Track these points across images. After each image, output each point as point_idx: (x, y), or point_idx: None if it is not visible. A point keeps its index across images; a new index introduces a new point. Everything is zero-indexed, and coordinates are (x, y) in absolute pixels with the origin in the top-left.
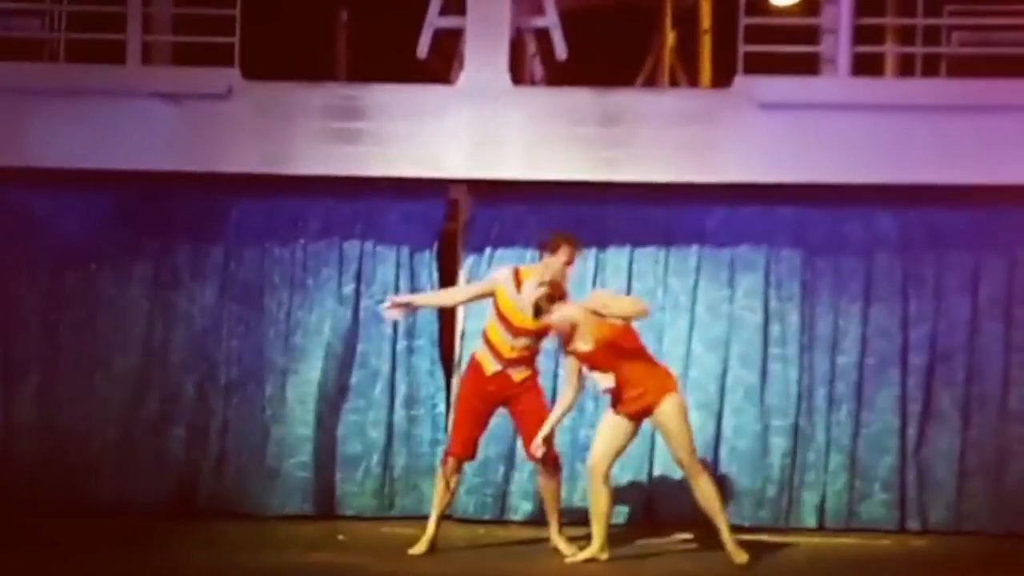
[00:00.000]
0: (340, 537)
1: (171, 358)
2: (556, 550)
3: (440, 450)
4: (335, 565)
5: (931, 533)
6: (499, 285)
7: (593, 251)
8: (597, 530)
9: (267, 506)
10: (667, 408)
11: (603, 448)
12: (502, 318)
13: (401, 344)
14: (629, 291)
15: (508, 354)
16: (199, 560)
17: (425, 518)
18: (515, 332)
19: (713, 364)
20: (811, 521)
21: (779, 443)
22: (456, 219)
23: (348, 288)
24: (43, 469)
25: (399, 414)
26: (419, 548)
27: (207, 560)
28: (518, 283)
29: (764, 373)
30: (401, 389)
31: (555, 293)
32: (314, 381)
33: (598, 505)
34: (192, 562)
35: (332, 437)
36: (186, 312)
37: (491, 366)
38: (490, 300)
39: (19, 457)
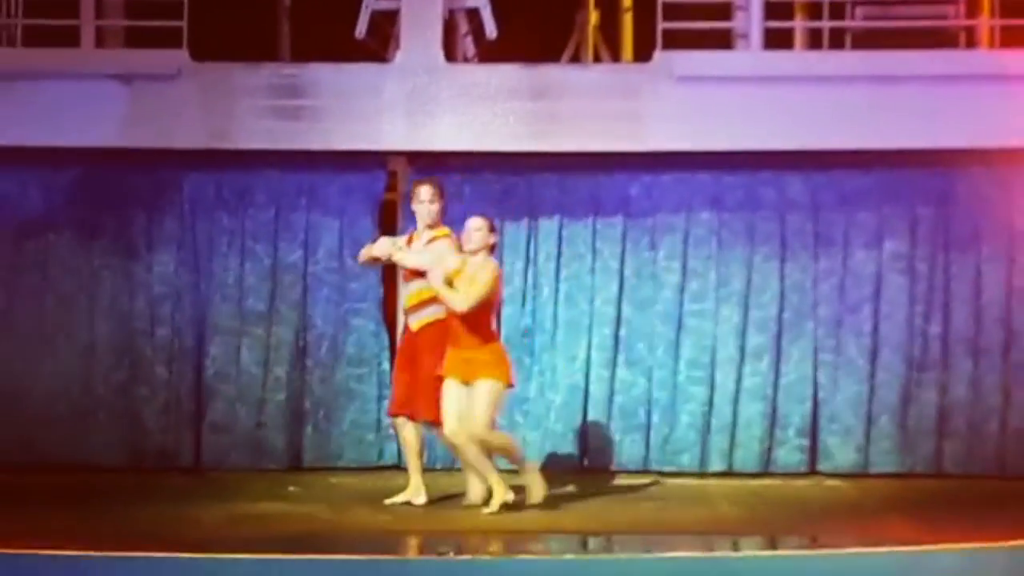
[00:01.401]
0: (291, 488)
1: (129, 323)
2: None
3: (384, 405)
4: (287, 514)
5: (842, 476)
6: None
7: (525, 219)
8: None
9: (220, 461)
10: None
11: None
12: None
13: (346, 307)
14: (560, 256)
15: (407, 304)
16: (151, 512)
17: (371, 469)
18: (406, 278)
19: (641, 323)
20: (726, 466)
21: (698, 392)
22: (395, 189)
23: (295, 256)
24: (4, 429)
25: (345, 372)
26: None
27: (159, 512)
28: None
29: (681, 328)
30: (347, 350)
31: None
32: (265, 343)
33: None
34: (144, 514)
35: (283, 394)
36: (143, 280)
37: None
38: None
39: None
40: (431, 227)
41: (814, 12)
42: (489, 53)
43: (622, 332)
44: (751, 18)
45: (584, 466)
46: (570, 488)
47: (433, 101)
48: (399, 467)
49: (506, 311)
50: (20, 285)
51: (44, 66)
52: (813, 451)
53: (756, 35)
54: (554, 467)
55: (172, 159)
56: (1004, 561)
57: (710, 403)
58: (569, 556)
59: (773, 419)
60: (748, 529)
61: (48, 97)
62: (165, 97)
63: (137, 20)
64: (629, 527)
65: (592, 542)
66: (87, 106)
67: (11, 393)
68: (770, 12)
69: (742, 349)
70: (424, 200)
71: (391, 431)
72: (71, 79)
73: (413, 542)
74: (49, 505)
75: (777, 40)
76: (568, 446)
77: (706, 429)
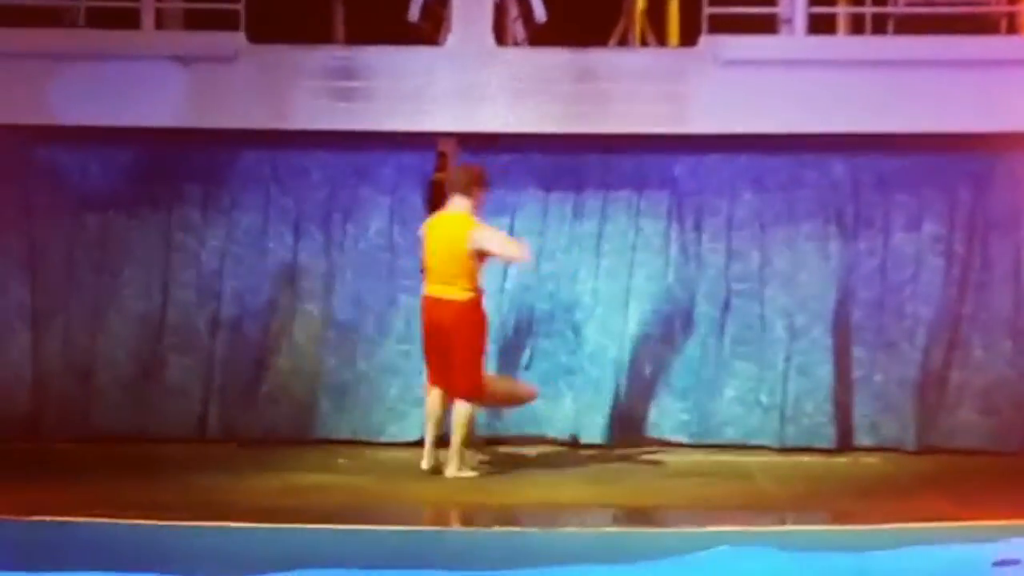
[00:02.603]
0: (341, 460)
1: (186, 297)
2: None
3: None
4: (337, 485)
5: (881, 451)
6: None
7: (571, 196)
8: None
9: (274, 432)
10: None
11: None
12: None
13: (395, 284)
14: (602, 233)
15: None
16: (205, 482)
17: (415, 444)
18: None
19: (683, 299)
20: (769, 442)
21: (744, 368)
22: (445, 169)
23: (348, 233)
24: (69, 401)
25: (393, 348)
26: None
27: (213, 482)
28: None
29: (727, 307)
30: (397, 326)
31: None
32: (316, 318)
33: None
34: (199, 483)
35: (333, 368)
36: (196, 254)
37: None
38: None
39: (48, 391)
40: None
41: None
42: (538, 37)
43: (664, 308)
44: (795, 3)
45: (622, 439)
46: (610, 463)
47: (483, 84)
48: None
49: (548, 287)
50: (82, 260)
51: (105, 47)
52: (850, 428)
53: (800, 20)
54: (593, 440)
55: (229, 139)
56: None
57: (756, 380)
58: (609, 529)
59: (815, 397)
60: (787, 505)
61: (109, 78)
62: (222, 78)
63: (196, 3)
64: (669, 501)
65: (630, 515)
66: (147, 87)
67: (74, 366)
68: None
69: (789, 328)
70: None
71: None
72: (131, 60)
73: (455, 514)
74: (110, 476)
75: (820, 25)
76: (606, 419)
77: (752, 405)
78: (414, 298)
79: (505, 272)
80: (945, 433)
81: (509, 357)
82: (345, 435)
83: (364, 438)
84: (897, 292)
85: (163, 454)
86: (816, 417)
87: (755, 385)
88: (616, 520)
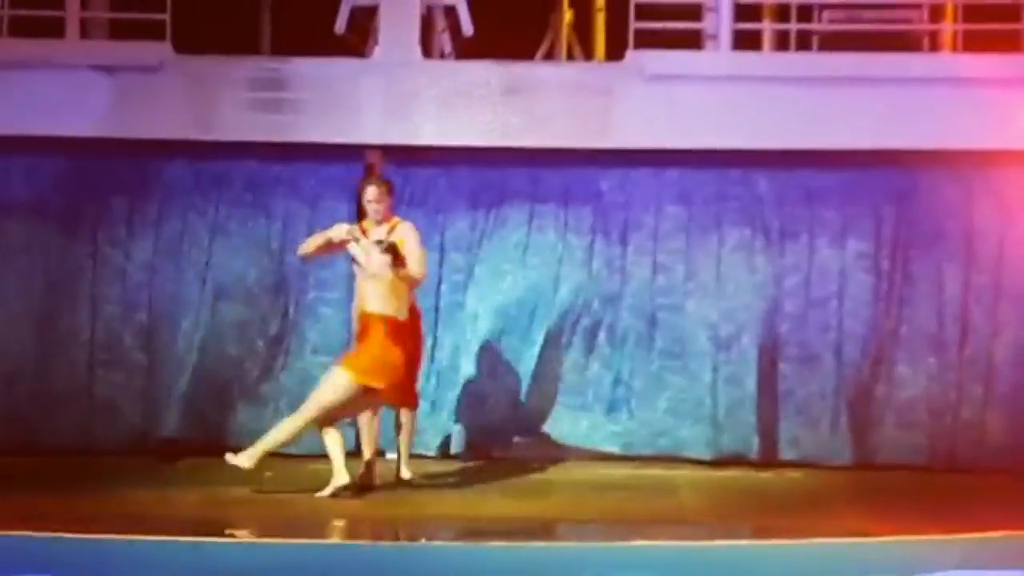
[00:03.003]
0: (267, 474)
1: (109, 309)
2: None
3: None
4: (259, 500)
5: (802, 467)
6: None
7: (495, 211)
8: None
9: (193, 444)
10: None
11: None
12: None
13: (314, 295)
14: (528, 245)
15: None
16: (131, 494)
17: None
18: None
19: (608, 315)
20: (695, 453)
21: (673, 381)
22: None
23: (274, 244)
24: (4, 412)
25: (310, 360)
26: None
27: (139, 494)
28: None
29: (653, 321)
30: (312, 337)
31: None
32: (240, 328)
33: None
34: (126, 496)
35: (254, 379)
36: (123, 267)
37: None
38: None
39: None
40: (381, 223)
41: (782, 15)
42: (465, 50)
43: (586, 322)
44: (721, 19)
45: (548, 451)
46: (537, 474)
47: (410, 96)
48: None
49: (472, 295)
50: (5, 272)
51: (29, 56)
52: (775, 442)
53: (725, 36)
54: (519, 453)
55: (154, 149)
56: (957, 553)
57: (686, 392)
58: (531, 544)
59: (740, 408)
60: (707, 518)
61: (33, 87)
62: (148, 88)
63: (121, 12)
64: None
65: (550, 529)
66: (71, 96)
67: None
68: (739, 14)
69: (713, 340)
70: (371, 200)
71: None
72: (56, 70)
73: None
74: (42, 488)
75: (746, 41)
76: (532, 432)
77: (680, 417)
78: (335, 310)
79: (438, 288)
80: (870, 448)
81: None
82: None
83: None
84: (822, 306)
85: (89, 465)
86: (738, 430)
87: (685, 396)
88: (537, 534)
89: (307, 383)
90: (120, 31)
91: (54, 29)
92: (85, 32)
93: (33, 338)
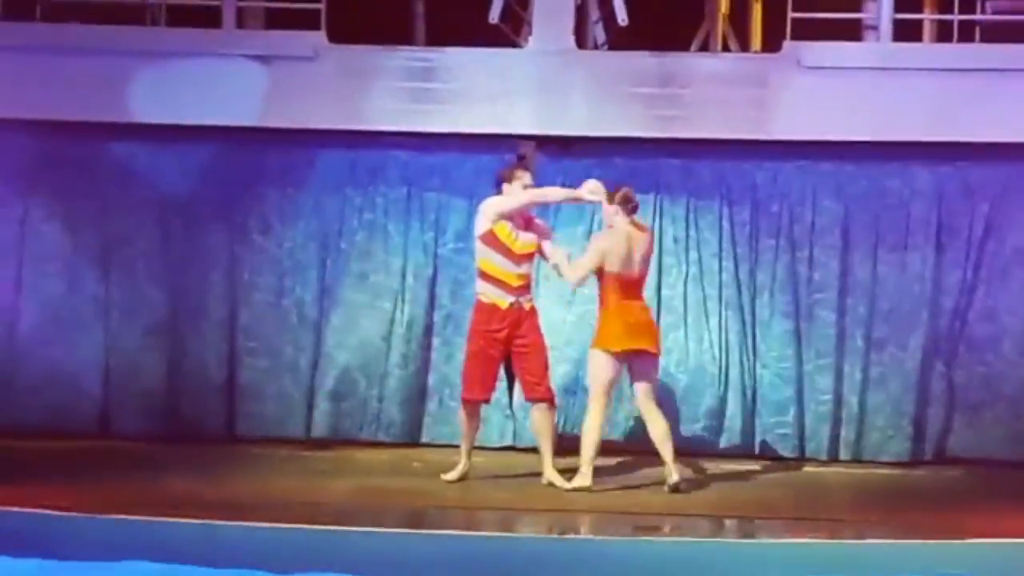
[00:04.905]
0: (415, 464)
1: (259, 296)
2: (551, 484)
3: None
4: (412, 489)
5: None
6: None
7: (651, 203)
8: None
9: (337, 432)
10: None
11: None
12: (504, 249)
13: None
14: (687, 239)
15: (517, 283)
16: (282, 483)
17: (494, 449)
18: (518, 259)
19: (763, 309)
20: (858, 455)
21: (821, 382)
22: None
23: (427, 236)
24: (158, 400)
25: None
26: (451, 476)
27: (292, 484)
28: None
29: (810, 317)
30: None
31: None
32: (393, 318)
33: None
34: (275, 485)
35: (409, 371)
36: (274, 254)
37: (504, 301)
38: (480, 240)
39: (134, 388)
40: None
41: (944, 5)
42: (619, 40)
43: (746, 316)
44: (881, 9)
45: (708, 447)
46: (692, 471)
47: (563, 86)
48: (514, 447)
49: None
50: (161, 258)
51: (186, 46)
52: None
53: (885, 26)
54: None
55: (307, 138)
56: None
57: (837, 392)
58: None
59: (893, 409)
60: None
61: (189, 76)
62: (302, 78)
63: (277, 2)
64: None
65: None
66: (227, 86)
67: (153, 367)
68: (900, 4)
69: (867, 339)
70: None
71: (508, 411)
72: (212, 59)
73: (529, 520)
74: (187, 476)
75: (906, 32)
76: (690, 425)
77: (834, 418)
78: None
79: None
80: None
81: None
82: (418, 438)
83: (438, 441)
84: (982, 303)
85: (234, 454)
86: (894, 431)
87: (835, 398)
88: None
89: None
90: (276, 20)
91: (211, 19)
92: (241, 22)
93: (187, 328)
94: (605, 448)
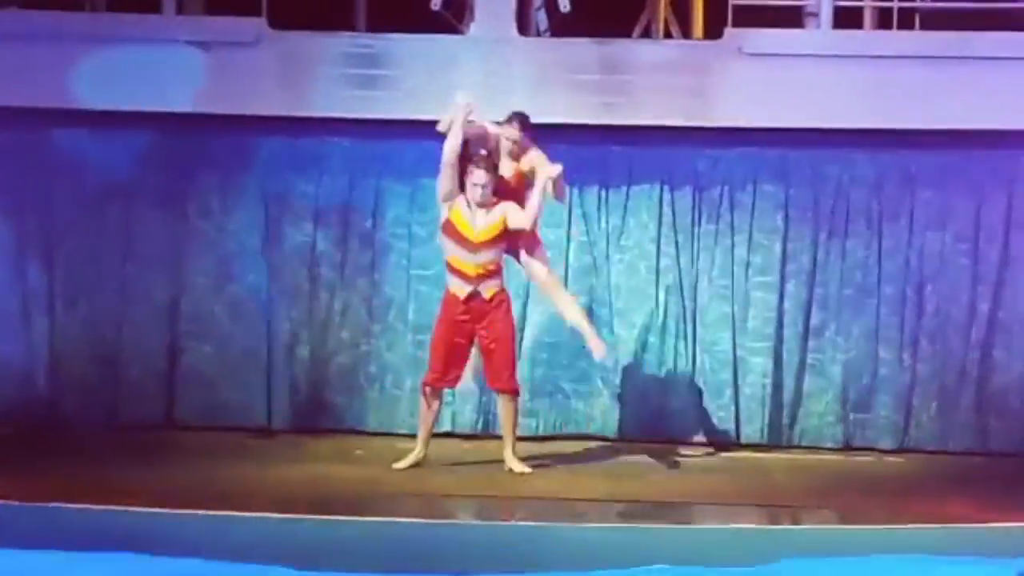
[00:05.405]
0: (358, 452)
1: (201, 283)
2: (511, 471)
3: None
4: (352, 477)
5: (907, 452)
6: (454, 203)
7: (595, 189)
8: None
9: (281, 419)
10: None
11: None
12: (459, 237)
13: (413, 273)
14: (624, 226)
15: (474, 271)
16: (229, 472)
17: (438, 435)
18: (474, 248)
19: (704, 295)
20: (785, 440)
21: (760, 364)
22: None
23: (368, 222)
24: (91, 390)
25: (410, 339)
26: (403, 463)
27: (238, 472)
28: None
29: (747, 301)
30: (410, 316)
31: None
32: (331, 306)
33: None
34: (220, 474)
35: (350, 358)
36: (215, 240)
37: (462, 290)
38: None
39: (68, 379)
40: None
41: None
42: (562, 27)
43: (686, 303)
44: None
45: (642, 435)
46: (628, 457)
47: (506, 73)
48: (452, 434)
49: (574, 276)
50: (101, 246)
51: (126, 31)
52: (863, 426)
53: (826, 14)
54: (617, 435)
55: (249, 124)
56: None
57: (773, 377)
58: (617, 525)
59: (832, 395)
60: (804, 501)
61: (130, 62)
62: (243, 64)
63: None
64: (681, 497)
65: (644, 511)
66: (168, 71)
67: (96, 355)
68: None
69: (806, 324)
70: (478, 183)
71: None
72: (152, 44)
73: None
74: (129, 464)
75: (846, 19)
76: (628, 414)
77: (767, 403)
78: (431, 288)
79: None
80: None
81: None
82: (361, 426)
83: (380, 430)
84: (919, 291)
85: (176, 440)
86: (831, 415)
87: (771, 382)
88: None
89: (409, 360)
90: (216, 6)
91: (151, 4)
92: (181, 7)
93: (128, 315)
94: (555, 436)
